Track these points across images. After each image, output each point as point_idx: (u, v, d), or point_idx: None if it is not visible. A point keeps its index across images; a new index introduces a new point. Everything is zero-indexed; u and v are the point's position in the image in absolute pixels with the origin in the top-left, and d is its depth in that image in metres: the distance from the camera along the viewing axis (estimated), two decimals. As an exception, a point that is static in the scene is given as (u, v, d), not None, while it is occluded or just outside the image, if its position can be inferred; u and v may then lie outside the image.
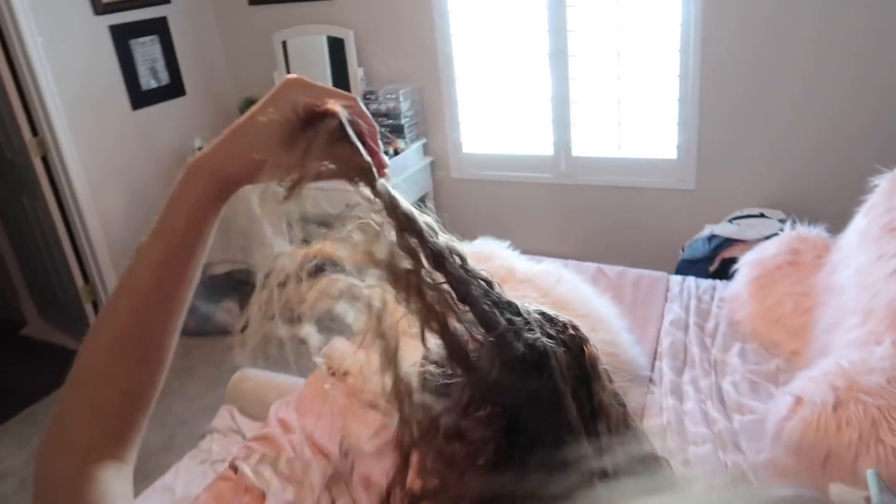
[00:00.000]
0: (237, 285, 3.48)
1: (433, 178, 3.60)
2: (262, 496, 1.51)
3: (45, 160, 3.20)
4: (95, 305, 3.45)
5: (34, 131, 3.14)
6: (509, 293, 0.81)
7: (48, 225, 3.32)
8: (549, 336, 0.83)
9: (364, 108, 0.62)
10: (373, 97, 3.40)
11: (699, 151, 3.02)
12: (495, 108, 3.39)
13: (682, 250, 2.87)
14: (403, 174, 3.32)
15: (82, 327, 3.48)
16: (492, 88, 3.35)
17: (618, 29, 2.98)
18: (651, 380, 1.84)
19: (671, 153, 3.10)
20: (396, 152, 3.30)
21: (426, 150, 3.56)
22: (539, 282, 1.90)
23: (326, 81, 3.51)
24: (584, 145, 3.26)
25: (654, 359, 1.93)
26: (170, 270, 0.60)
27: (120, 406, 0.59)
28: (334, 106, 0.60)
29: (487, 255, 2.06)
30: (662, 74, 2.98)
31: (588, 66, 3.11)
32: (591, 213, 3.33)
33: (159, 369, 0.62)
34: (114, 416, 0.59)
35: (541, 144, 3.34)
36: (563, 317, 0.86)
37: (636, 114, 3.10)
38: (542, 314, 0.86)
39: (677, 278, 2.35)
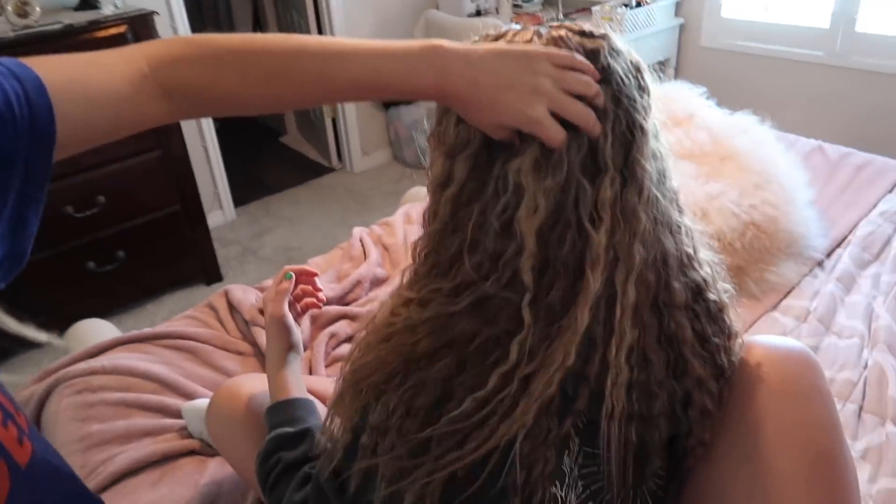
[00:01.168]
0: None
1: (679, 42, 3.23)
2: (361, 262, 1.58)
3: (311, -22, 3.47)
4: (335, 122, 3.78)
5: (305, -52, 3.41)
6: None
7: (307, 41, 3.66)
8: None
9: (575, 59, 0.62)
10: (629, -58, 3.08)
11: None
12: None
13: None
14: (643, 31, 3.01)
15: (325, 141, 3.87)
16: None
17: None
18: (821, 265, 1.51)
19: None
20: (639, 4, 2.99)
21: (677, 9, 3.18)
22: (717, 130, 1.62)
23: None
24: (872, 19, 2.64)
25: (838, 245, 1.57)
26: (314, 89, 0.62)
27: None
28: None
29: (673, 98, 1.80)
30: None
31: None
32: (863, 104, 2.74)
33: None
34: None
35: (816, 15, 2.78)
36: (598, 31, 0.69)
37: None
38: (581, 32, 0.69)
39: (921, 173, 1.85)
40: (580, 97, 0.61)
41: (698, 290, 0.73)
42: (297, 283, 1.04)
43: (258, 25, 4.41)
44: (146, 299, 2.82)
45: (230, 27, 4.55)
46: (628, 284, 0.64)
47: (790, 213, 1.45)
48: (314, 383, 1.11)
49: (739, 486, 0.72)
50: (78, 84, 0.53)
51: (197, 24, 3.57)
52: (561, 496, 0.67)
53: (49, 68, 0.51)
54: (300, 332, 1.00)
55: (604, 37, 0.67)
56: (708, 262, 0.76)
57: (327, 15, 3.46)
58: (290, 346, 0.98)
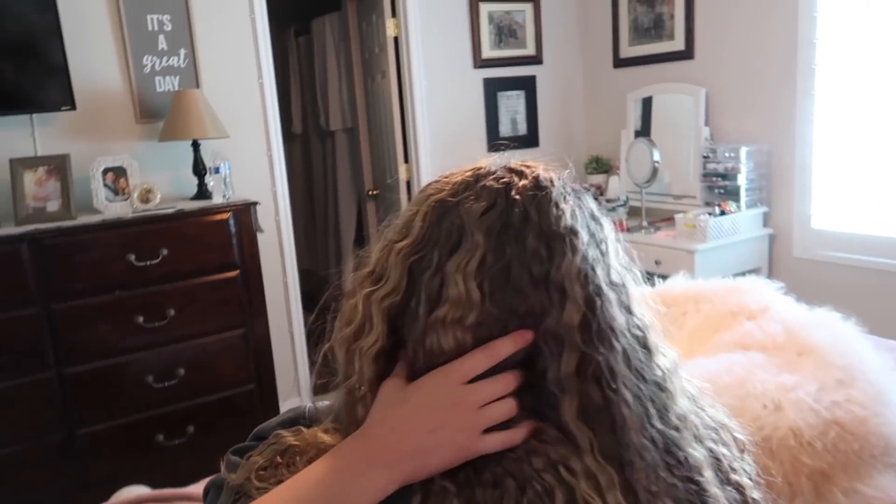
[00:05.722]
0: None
1: (770, 253, 3.15)
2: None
3: (408, 185, 3.76)
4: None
5: (406, 158, 3.73)
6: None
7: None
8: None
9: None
10: (712, 156, 3.16)
11: None
12: (858, 179, 2.83)
13: None
14: (728, 239, 2.97)
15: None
16: (856, 155, 2.82)
17: None
18: (930, 479, 1.27)
19: None
20: (724, 213, 2.99)
21: (766, 220, 3.14)
22: (791, 322, 1.50)
23: (688, 139, 3.34)
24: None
25: (952, 460, 1.33)
26: None
27: None
28: None
29: (747, 290, 1.71)
30: None
31: None
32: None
33: None
34: None
35: (915, 226, 2.66)
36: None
37: None
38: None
39: None
40: None
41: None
42: None
43: (360, 225, 4.74)
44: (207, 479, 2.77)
45: (336, 222, 4.92)
46: None
47: (884, 414, 1.27)
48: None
49: None
50: None
51: (303, 213, 3.86)
52: None
53: None
54: None
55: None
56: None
57: (420, 217, 3.67)
58: None
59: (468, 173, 0.64)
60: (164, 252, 2.54)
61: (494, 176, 0.62)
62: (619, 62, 3.77)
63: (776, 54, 3.00)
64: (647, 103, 3.61)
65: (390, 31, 3.57)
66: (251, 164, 3.13)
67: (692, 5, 3.32)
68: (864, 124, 2.76)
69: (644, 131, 3.61)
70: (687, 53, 3.38)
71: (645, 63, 3.62)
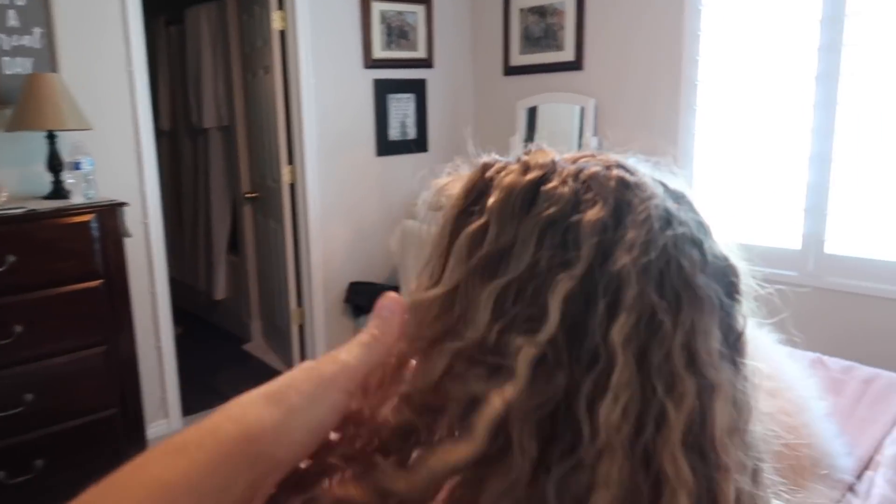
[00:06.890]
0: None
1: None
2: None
3: (292, 188, 3.54)
4: (301, 329, 3.63)
5: (290, 159, 3.51)
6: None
7: (281, 248, 3.63)
8: None
9: None
10: (601, 166, 3.21)
11: None
12: (735, 192, 2.97)
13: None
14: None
15: (290, 350, 3.69)
16: (734, 169, 2.96)
17: (904, 104, 2.45)
18: (853, 489, 1.29)
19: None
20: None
21: (651, 230, 3.23)
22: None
23: (571, 148, 3.39)
24: (842, 242, 2.68)
25: (866, 467, 1.37)
26: None
27: None
28: None
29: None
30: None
31: (859, 146, 2.60)
32: (840, 324, 2.68)
33: None
34: None
35: (787, 237, 2.82)
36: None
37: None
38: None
39: (935, 389, 1.70)
40: None
41: None
42: None
43: (235, 231, 4.44)
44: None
45: (207, 228, 4.58)
46: None
47: (809, 425, 1.27)
48: None
49: None
50: None
51: (169, 217, 3.55)
52: None
53: None
54: None
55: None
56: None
57: (305, 225, 3.48)
58: None
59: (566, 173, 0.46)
60: (11, 259, 2.19)
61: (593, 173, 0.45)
62: (510, 70, 3.77)
63: (663, 69, 3.10)
64: (532, 112, 3.62)
65: (276, 24, 3.35)
66: (117, 160, 2.81)
67: (582, 17, 3.37)
68: (743, 139, 2.90)
69: (530, 139, 3.62)
70: (576, 64, 3.43)
71: (535, 72, 3.63)
